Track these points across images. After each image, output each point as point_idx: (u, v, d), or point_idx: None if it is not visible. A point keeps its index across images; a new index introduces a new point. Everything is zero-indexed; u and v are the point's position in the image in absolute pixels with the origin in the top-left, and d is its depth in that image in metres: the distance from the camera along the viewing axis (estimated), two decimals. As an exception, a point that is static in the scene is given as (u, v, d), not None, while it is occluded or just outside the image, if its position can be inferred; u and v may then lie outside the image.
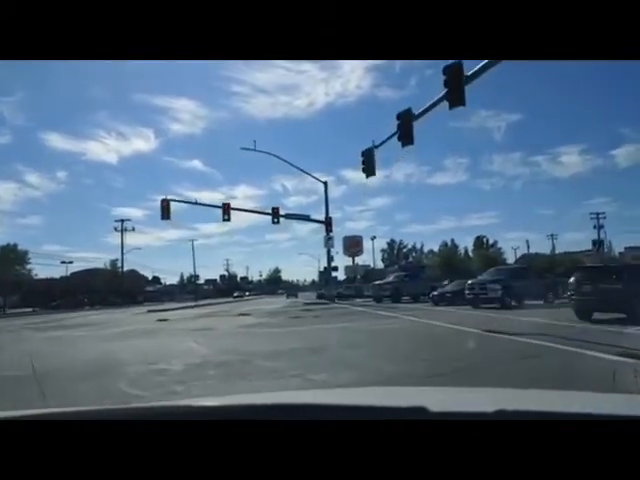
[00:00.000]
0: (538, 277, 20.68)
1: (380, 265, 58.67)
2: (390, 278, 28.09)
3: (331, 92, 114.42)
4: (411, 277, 26.90)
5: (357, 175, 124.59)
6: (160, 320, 18.05)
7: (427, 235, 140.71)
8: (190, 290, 74.12)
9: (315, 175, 29.41)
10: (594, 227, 53.01)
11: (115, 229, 53.49)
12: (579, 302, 12.31)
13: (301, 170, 28.85)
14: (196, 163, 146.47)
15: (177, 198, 30.48)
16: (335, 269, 29.64)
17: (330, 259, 28.74)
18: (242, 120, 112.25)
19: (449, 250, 52.27)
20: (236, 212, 26.88)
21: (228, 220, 27.70)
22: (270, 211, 27.33)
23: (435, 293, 21.71)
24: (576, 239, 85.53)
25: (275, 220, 26.88)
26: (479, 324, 10.74)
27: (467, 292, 19.28)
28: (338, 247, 34.67)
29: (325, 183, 28.67)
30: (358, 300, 29.72)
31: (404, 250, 66.05)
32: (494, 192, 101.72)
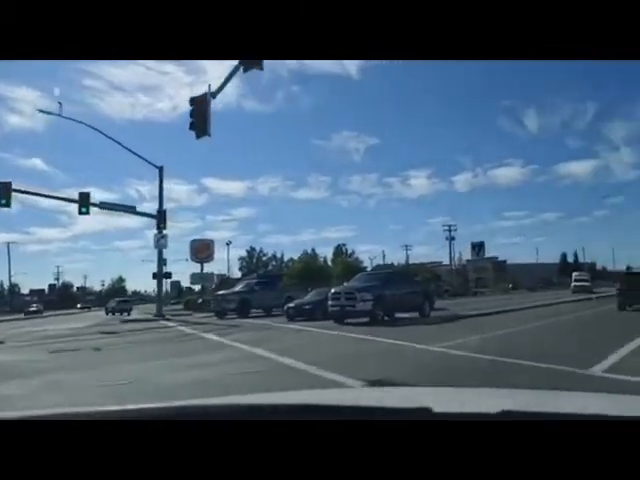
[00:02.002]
0: (413, 284, 18.12)
1: (239, 274, 55.68)
2: (237, 287, 21.71)
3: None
4: (264, 286, 21.75)
5: (221, 184, 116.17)
6: None
7: (288, 246, 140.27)
8: (7, 302, 59.33)
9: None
10: (446, 239, 58.92)
11: None
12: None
13: (133, 153, 24.94)
14: (37, 162, 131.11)
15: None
16: (168, 275, 22.64)
17: (161, 263, 21.52)
18: (96, 118, 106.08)
19: (309, 257, 47.94)
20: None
21: (7, 206, 22.04)
22: (77, 197, 19.24)
23: (291, 305, 16.37)
24: (422, 253, 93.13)
25: (83, 210, 19.05)
26: (363, 366, 6.99)
27: (331, 303, 15.87)
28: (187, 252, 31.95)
29: (160, 168, 21.63)
30: (198, 315, 26.40)
31: (264, 258, 60.56)
32: (352, 208, 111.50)
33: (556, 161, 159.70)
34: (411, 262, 66.15)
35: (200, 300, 34.70)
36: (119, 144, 23.81)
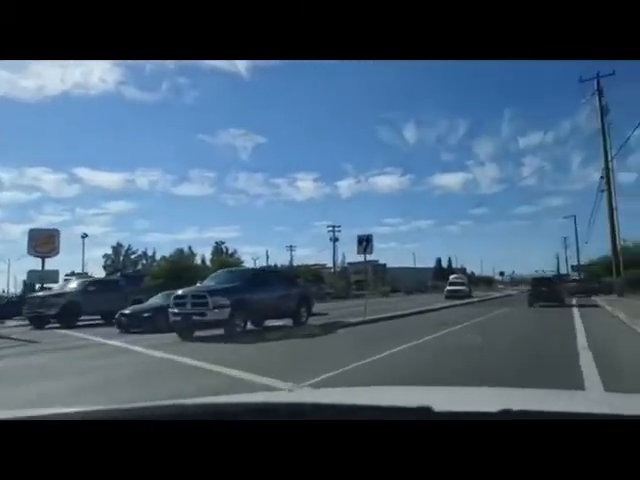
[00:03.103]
0: (287, 286, 14.26)
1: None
2: (66, 288, 16.32)
3: (68, 80, 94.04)
4: (103, 286, 16.14)
5: (95, 175, 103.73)
6: None
7: (168, 245, 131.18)
8: None
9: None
10: (330, 239, 59.92)
11: None
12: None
13: None
14: None
15: None
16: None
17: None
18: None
19: (183, 256, 42.32)
20: None
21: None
22: None
23: (125, 312, 15.77)
24: (307, 255, 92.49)
25: None
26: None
27: (173, 311, 11.96)
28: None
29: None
30: (12, 324, 20.42)
31: (132, 256, 53.25)
32: (238, 207, 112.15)
33: (431, 172, 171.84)
34: (296, 264, 63.41)
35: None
36: None
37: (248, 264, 57.10)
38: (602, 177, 29.17)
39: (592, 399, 1.57)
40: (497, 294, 46.37)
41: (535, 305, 22.08)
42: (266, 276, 14.30)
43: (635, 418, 1.03)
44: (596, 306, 21.43)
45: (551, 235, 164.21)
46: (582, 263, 63.97)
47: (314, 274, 55.43)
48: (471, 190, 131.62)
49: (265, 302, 12.39)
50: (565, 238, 78.57)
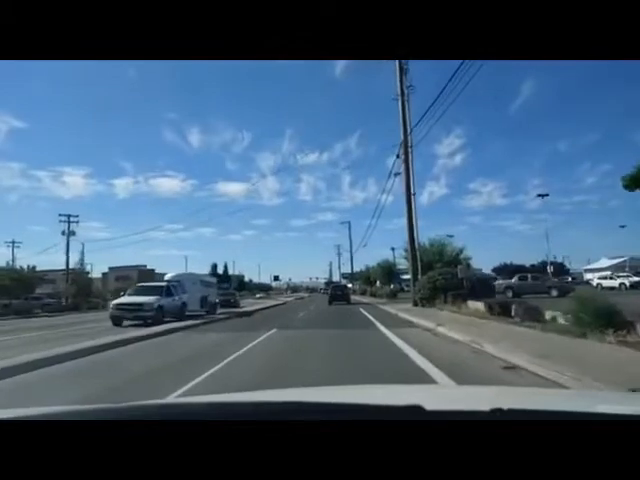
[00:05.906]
0: None
1: None
2: None
3: None
4: None
5: None
6: None
7: None
8: None
9: None
10: (62, 233, 45.60)
11: None
12: None
13: None
14: None
15: None
16: None
17: None
18: None
19: None
20: None
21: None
22: None
23: None
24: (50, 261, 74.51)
25: None
26: None
27: None
28: None
29: None
30: None
31: None
32: None
33: (215, 180, 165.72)
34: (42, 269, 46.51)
35: None
36: None
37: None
38: (397, 156, 23.16)
39: (583, 397, 1.58)
40: (271, 302, 41.55)
41: (333, 304, 30.91)
42: None
43: (627, 418, 1.04)
44: (369, 303, 30.52)
45: (326, 245, 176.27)
46: (358, 270, 64.68)
47: (14, 278, 38.73)
48: (254, 200, 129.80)
49: None
50: (338, 246, 79.52)
